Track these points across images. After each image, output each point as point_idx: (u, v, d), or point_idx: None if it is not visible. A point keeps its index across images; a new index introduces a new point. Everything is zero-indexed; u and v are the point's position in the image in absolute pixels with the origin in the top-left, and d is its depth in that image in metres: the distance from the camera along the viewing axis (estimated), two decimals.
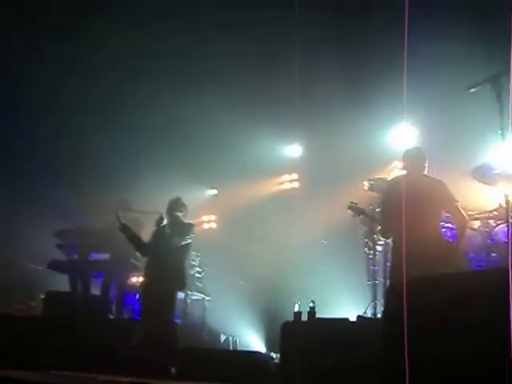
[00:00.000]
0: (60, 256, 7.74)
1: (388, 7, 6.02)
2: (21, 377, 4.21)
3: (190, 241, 6.01)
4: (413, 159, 5.22)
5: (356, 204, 6.45)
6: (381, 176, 7.52)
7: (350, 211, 6.47)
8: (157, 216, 5.84)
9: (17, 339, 6.38)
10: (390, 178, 7.22)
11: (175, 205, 6.00)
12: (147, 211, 6.08)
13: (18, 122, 9.80)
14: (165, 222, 5.82)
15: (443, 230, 5.62)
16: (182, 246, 5.93)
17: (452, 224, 5.61)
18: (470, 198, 6.11)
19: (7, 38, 8.43)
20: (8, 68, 8.81)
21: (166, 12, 8.66)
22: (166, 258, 5.78)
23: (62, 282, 7.79)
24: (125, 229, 6.09)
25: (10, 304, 9.82)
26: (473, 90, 4.51)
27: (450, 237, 5.67)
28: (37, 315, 8.03)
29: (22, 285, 10.20)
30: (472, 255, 5.95)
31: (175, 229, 5.89)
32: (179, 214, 6.02)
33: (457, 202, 5.01)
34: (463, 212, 5.02)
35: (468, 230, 5.27)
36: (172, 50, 9.07)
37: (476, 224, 6.03)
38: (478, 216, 6.06)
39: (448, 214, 5.31)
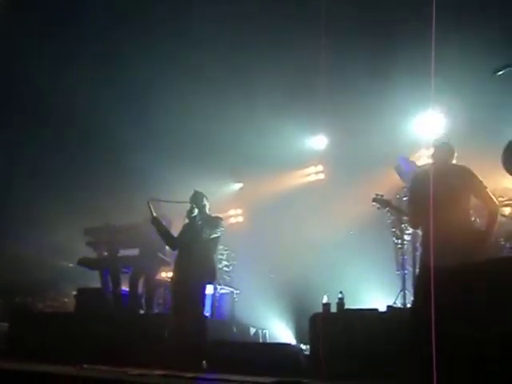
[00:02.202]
0: (90, 253, 7.86)
1: None
2: (56, 371, 4.31)
3: (219, 234, 6.03)
4: (441, 147, 5.12)
5: (381, 196, 6.37)
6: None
7: (375, 204, 6.40)
8: (188, 206, 5.86)
9: (51, 335, 6.54)
10: (418, 164, 7.13)
11: (197, 198, 6.00)
12: (178, 201, 6.12)
13: (48, 124, 10.05)
14: (196, 211, 5.82)
15: (473, 217, 5.51)
16: (212, 238, 5.94)
17: (482, 211, 5.50)
18: (498, 184, 5.99)
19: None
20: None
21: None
22: (197, 249, 5.79)
23: (93, 279, 7.93)
24: (156, 221, 6.14)
25: (45, 301, 10.06)
26: (500, 72, 4.42)
27: (481, 224, 5.56)
28: (69, 311, 8.20)
29: (55, 282, 10.44)
30: (503, 242, 5.84)
31: (205, 220, 5.91)
32: (204, 205, 6.04)
33: (486, 188, 4.90)
34: (494, 198, 4.91)
35: (499, 216, 5.14)
36: (197, 50, 9.12)
37: (506, 210, 5.91)
38: (508, 202, 5.94)
39: (478, 201, 5.20)
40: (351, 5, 8.11)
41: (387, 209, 6.49)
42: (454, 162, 5.04)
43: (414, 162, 6.97)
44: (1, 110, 9.42)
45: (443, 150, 5.05)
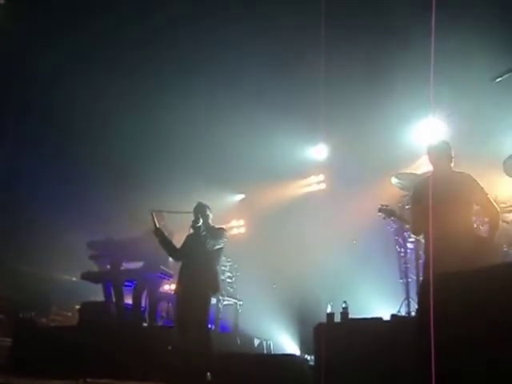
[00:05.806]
0: (93, 267, 7.86)
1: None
2: None
3: (223, 245, 6.01)
4: (439, 153, 5.12)
5: (386, 206, 6.39)
6: (408, 171, 7.42)
7: (380, 214, 6.41)
8: (191, 216, 5.84)
9: (55, 349, 6.52)
10: (418, 173, 7.15)
11: (201, 209, 5.98)
12: (181, 211, 6.10)
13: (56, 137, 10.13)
14: (200, 222, 5.80)
15: (475, 224, 5.51)
16: (216, 249, 5.92)
17: (484, 218, 5.50)
18: (500, 191, 5.99)
19: None
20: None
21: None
22: (201, 260, 5.76)
23: (96, 292, 7.92)
24: (159, 232, 6.13)
25: (48, 316, 10.04)
26: (499, 79, 4.44)
27: (483, 231, 5.55)
28: (73, 325, 8.18)
29: (58, 296, 10.42)
30: (506, 248, 5.82)
31: (208, 231, 5.89)
32: (208, 216, 6.03)
33: (487, 194, 4.91)
34: (495, 205, 4.91)
35: (500, 222, 5.14)
36: (195, 56, 9.17)
37: (509, 217, 5.90)
38: (510, 208, 5.93)
39: (479, 208, 5.20)
40: (350, 12, 8.16)
41: (392, 218, 6.51)
42: (452, 165, 5.03)
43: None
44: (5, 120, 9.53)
45: (441, 156, 5.05)
